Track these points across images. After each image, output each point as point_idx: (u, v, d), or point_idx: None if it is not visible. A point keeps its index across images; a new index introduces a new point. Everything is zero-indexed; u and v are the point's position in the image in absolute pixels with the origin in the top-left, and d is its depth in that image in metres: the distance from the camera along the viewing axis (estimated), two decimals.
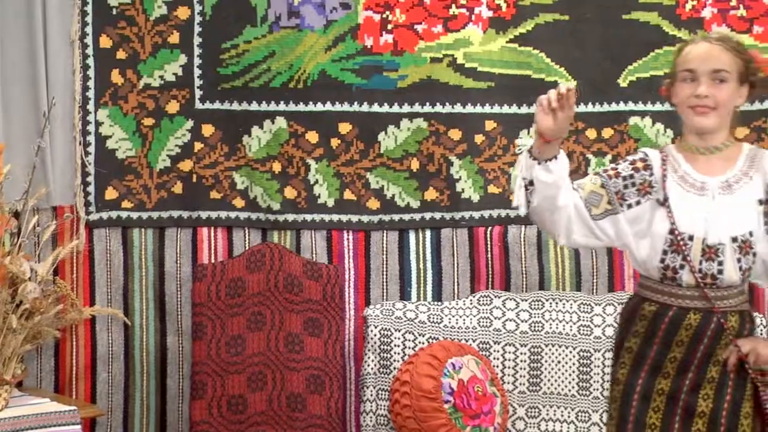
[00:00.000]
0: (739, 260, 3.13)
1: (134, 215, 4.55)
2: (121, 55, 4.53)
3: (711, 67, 3.13)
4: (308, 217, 4.59)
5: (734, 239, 3.13)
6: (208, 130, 4.56)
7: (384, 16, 4.58)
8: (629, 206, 3.19)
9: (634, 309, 3.22)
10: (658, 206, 3.17)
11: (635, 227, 3.19)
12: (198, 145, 4.55)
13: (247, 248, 4.55)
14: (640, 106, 4.63)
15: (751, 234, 3.14)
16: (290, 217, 4.58)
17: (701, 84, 3.12)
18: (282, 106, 4.56)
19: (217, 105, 4.55)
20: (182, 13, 4.53)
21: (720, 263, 3.13)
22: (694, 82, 3.14)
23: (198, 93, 4.54)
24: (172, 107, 4.54)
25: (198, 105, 4.55)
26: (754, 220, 3.15)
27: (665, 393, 3.15)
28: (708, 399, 3.13)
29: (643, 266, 3.21)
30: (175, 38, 4.54)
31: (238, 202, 4.58)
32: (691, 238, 3.12)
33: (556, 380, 4.45)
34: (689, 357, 3.14)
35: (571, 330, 4.45)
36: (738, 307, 3.17)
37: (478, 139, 4.64)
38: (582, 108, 4.66)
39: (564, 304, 4.50)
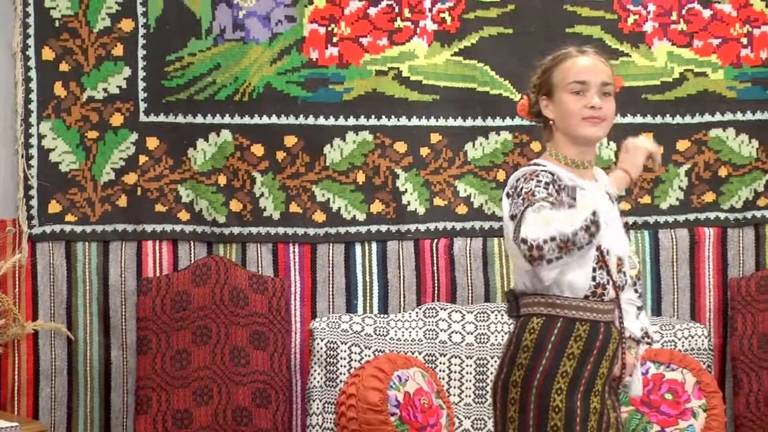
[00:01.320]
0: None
1: (78, 229, 4.54)
2: (64, 67, 4.53)
3: (601, 79, 3.15)
4: (254, 230, 4.61)
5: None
6: (152, 143, 4.56)
7: (329, 29, 4.62)
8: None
9: (566, 332, 3.10)
10: None
11: None
12: (143, 158, 4.56)
13: (192, 261, 4.55)
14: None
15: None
16: (236, 230, 4.59)
17: (594, 96, 3.13)
18: (227, 119, 4.57)
19: (161, 118, 4.56)
20: (126, 25, 4.53)
21: (624, 274, 3.20)
22: (583, 95, 3.13)
23: (142, 106, 4.55)
24: (117, 120, 4.54)
25: (142, 118, 4.55)
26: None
27: (597, 411, 3.11)
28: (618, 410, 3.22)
29: (569, 286, 3.09)
30: (119, 51, 4.54)
31: (183, 216, 4.58)
32: (608, 252, 3.13)
33: None
34: (611, 371, 3.17)
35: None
36: None
37: (424, 151, 4.68)
38: (526, 121, 4.68)
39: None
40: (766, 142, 4.81)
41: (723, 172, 4.79)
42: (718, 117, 4.79)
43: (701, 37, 4.77)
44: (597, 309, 3.13)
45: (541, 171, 3.06)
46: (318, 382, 4.38)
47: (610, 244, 3.12)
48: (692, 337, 4.60)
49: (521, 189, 3.03)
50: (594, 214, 2.89)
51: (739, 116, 4.79)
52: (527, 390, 3.08)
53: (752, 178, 4.80)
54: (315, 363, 4.40)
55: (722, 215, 4.77)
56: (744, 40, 4.78)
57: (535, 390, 3.08)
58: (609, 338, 3.15)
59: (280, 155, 4.61)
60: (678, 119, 4.73)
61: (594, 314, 3.13)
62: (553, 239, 2.87)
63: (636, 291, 3.32)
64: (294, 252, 4.65)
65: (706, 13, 4.76)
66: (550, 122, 3.22)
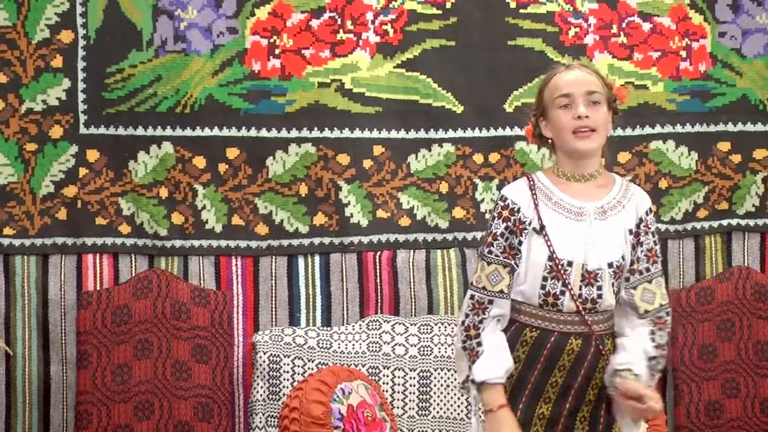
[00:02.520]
0: (613, 284, 3.21)
1: (16, 242, 4.51)
2: (2, 78, 4.50)
3: (585, 89, 3.19)
4: (196, 242, 4.60)
5: (610, 264, 3.19)
6: (93, 155, 4.54)
7: (271, 40, 4.63)
8: (519, 252, 3.20)
9: (515, 335, 3.21)
10: (535, 234, 3.18)
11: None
12: (83, 171, 4.53)
13: (133, 275, 4.54)
14: (528, 138, 4.72)
15: (623, 259, 3.22)
16: (177, 243, 4.58)
17: (579, 106, 3.18)
18: (169, 131, 4.56)
19: (102, 130, 4.54)
20: (66, 36, 4.51)
21: (599, 288, 3.18)
22: (571, 108, 3.19)
23: (82, 118, 4.53)
24: (56, 132, 4.52)
25: (82, 130, 4.53)
26: (625, 248, 3.23)
27: (546, 417, 3.18)
28: (584, 421, 3.20)
29: (522, 294, 3.21)
30: (58, 62, 4.52)
31: (124, 228, 4.56)
32: (570, 264, 3.16)
33: (445, 404, 4.52)
34: (570, 381, 3.18)
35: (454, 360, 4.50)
36: (610, 330, 3.24)
37: (367, 163, 4.70)
38: (469, 133, 4.75)
39: (453, 328, 4.56)
40: (706, 154, 4.89)
41: (663, 183, 4.86)
42: (658, 129, 4.85)
43: (641, 50, 4.83)
44: (550, 318, 3.18)
45: (510, 203, 3.21)
46: (261, 395, 4.38)
47: (575, 255, 3.17)
48: None
49: (491, 217, 3.26)
50: (467, 380, 3.17)
51: (678, 128, 4.86)
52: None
53: (692, 189, 4.88)
54: (258, 376, 4.40)
55: (662, 227, 4.83)
56: (683, 53, 4.86)
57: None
58: (563, 348, 3.17)
59: (222, 167, 4.61)
60: (619, 131, 4.78)
61: (546, 323, 3.18)
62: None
63: (652, 333, 3.24)
64: (236, 265, 4.64)
65: (646, 27, 4.83)
66: (549, 141, 3.29)
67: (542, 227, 3.18)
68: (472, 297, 3.21)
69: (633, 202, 3.25)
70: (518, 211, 3.20)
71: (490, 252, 3.21)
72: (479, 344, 3.18)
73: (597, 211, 3.21)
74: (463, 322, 3.23)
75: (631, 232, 3.23)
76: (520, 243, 3.20)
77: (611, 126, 3.28)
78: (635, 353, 3.19)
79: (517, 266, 3.20)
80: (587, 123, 3.18)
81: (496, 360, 3.16)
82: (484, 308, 3.20)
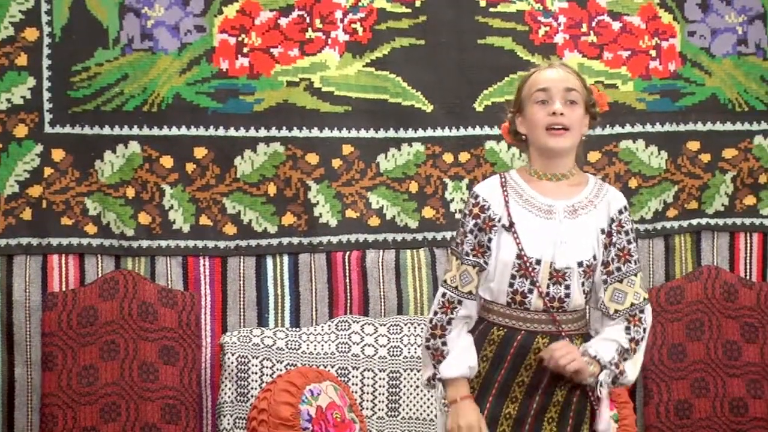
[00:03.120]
0: (583, 284, 3.21)
1: None
2: None
3: (564, 86, 3.19)
4: (163, 243, 4.57)
5: (580, 264, 3.19)
6: (58, 154, 4.50)
7: (240, 39, 4.60)
8: (489, 249, 3.21)
9: (482, 334, 3.22)
10: (504, 231, 3.19)
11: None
12: (48, 170, 4.50)
13: (99, 276, 4.51)
14: (496, 131, 4.71)
15: (594, 258, 3.22)
16: (144, 243, 4.55)
17: (556, 102, 3.18)
18: (135, 130, 4.53)
19: (67, 129, 4.50)
20: (30, 34, 4.47)
21: (567, 287, 3.18)
22: (547, 104, 3.19)
23: (48, 117, 4.49)
24: (21, 131, 4.48)
25: (48, 129, 4.49)
26: (596, 247, 3.23)
27: (512, 417, 3.18)
28: (552, 422, 3.20)
29: (490, 292, 3.22)
30: (23, 60, 4.47)
31: (90, 229, 4.53)
32: (538, 262, 3.17)
33: (414, 405, 4.51)
34: (537, 381, 3.18)
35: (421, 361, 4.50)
36: (581, 331, 3.24)
37: (336, 163, 4.68)
38: (439, 132, 4.75)
39: (423, 328, 4.54)
40: (675, 154, 4.90)
41: (633, 183, 4.87)
42: (628, 129, 4.87)
43: (611, 49, 4.84)
44: (517, 317, 3.19)
45: (481, 200, 3.23)
46: (229, 397, 4.36)
47: (543, 253, 3.17)
48: None
49: (462, 214, 3.28)
50: (433, 377, 3.22)
51: (648, 128, 4.88)
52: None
53: (662, 189, 4.89)
54: (226, 378, 4.38)
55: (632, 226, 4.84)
56: (653, 53, 4.87)
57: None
58: (529, 347, 3.18)
59: (190, 167, 4.58)
60: (589, 131, 4.78)
61: (513, 321, 3.19)
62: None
63: (627, 329, 3.24)
64: (204, 265, 4.62)
65: (616, 26, 4.84)
66: (524, 138, 3.29)
67: (511, 224, 3.19)
68: (443, 295, 3.23)
69: (605, 202, 3.25)
70: (488, 208, 3.21)
71: (462, 250, 3.23)
72: (444, 344, 3.20)
73: (567, 210, 3.21)
74: (431, 320, 3.25)
75: (603, 231, 3.23)
76: (490, 240, 3.20)
77: (587, 129, 3.28)
78: (603, 342, 3.19)
79: (487, 264, 3.21)
80: (561, 120, 3.18)
81: (462, 357, 3.19)
82: (453, 308, 3.22)
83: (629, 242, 3.26)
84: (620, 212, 3.26)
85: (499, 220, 3.20)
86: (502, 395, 3.19)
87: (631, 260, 3.25)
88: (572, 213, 3.22)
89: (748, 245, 5.01)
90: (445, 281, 3.26)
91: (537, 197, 3.22)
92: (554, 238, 3.18)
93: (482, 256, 3.21)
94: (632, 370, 3.23)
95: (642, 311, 3.26)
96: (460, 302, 3.21)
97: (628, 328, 3.22)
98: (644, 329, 3.25)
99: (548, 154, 3.23)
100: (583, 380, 3.17)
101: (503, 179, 3.26)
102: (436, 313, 3.23)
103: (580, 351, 3.17)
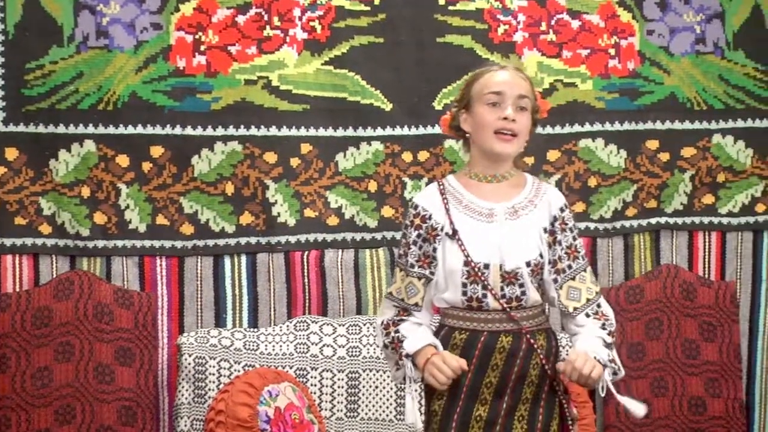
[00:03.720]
0: (533, 282, 3.23)
1: None
2: None
3: (518, 92, 3.20)
4: (119, 243, 4.54)
5: (528, 263, 3.20)
6: (12, 153, 4.46)
7: (197, 36, 4.58)
8: (434, 259, 3.22)
9: (445, 339, 3.22)
10: (448, 239, 3.20)
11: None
12: (1, 170, 4.45)
13: (54, 276, 4.47)
14: (442, 127, 4.72)
15: (540, 257, 3.23)
16: (100, 243, 4.52)
17: (508, 107, 3.19)
18: (91, 129, 4.50)
19: (21, 128, 4.46)
20: None
21: (521, 285, 3.20)
22: (499, 107, 3.19)
23: (1, 115, 4.44)
24: None
25: (1, 128, 4.44)
26: (541, 246, 3.24)
27: (483, 419, 3.18)
28: (522, 420, 3.20)
29: (445, 301, 3.24)
30: None
31: (45, 229, 4.49)
32: (487, 266, 3.18)
33: (374, 406, 4.51)
34: (504, 380, 3.19)
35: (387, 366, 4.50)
36: (543, 326, 3.26)
37: (294, 162, 4.67)
38: (398, 131, 4.75)
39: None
40: (634, 153, 4.93)
41: (592, 182, 4.89)
42: (587, 127, 4.88)
43: (570, 48, 4.86)
44: (478, 318, 3.19)
45: (421, 210, 3.24)
46: (186, 398, 4.34)
47: (490, 257, 3.18)
48: (562, 347, 4.66)
49: (403, 225, 3.30)
50: (402, 357, 3.21)
51: (607, 126, 4.90)
52: (424, 395, 3.29)
53: (621, 188, 4.91)
54: (183, 379, 4.36)
55: (592, 225, 4.86)
56: (612, 51, 4.89)
57: (424, 395, 3.27)
58: (493, 347, 3.18)
59: (147, 166, 4.55)
60: (548, 129, 4.81)
61: (474, 323, 3.20)
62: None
63: (603, 325, 3.25)
64: (161, 265, 4.59)
65: (575, 24, 4.86)
66: (467, 135, 3.29)
67: (455, 232, 3.20)
68: (392, 306, 3.27)
69: (545, 201, 3.27)
70: (430, 217, 3.23)
71: (407, 262, 3.25)
72: (398, 332, 3.23)
73: (508, 211, 3.23)
74: (382, 322, 3.26)
75: (545, 230, 3.25)
76: (435, 250, 3.22)
77: (530, 135, 3.30)
78: (592, 341, 3.20)
79: (433, 275, 3.23)
80: (512, 126, 3.19)
81: (424, 335, 3.21)
82: (408, 314, 3.27)
83: (574, 238, 3.29)
84: (561, 210, 3.29)
85: (441, 229, 3.21)
86: (471, 398, 3.19)
87: (579, 256, 3.28)
88: (513, 214, 3.23)
89: (707, 244, 5.04)
90: (390, 293, 3.29)
91: (477, 202, 3.23)
92: (498, 241, 3.19)
93: (428, 267, 3.23)
94: (621, 367, 3.27)
95: (599, 305, 3.29)
96: (411, 312, 3.25)
97: (603, 325, 3.25)
98: (612, 320, 3.29)
99: (493, 157, 3.24)
100: (595, 384, 3.16)
101: (442, 186, 3.28)
102: (384, 321, 3.28)
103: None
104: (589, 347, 3.18)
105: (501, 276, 3.18)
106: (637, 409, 3.23)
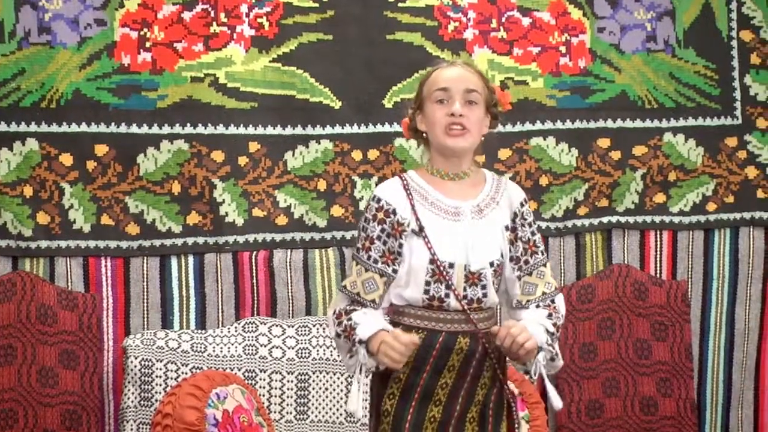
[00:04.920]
0: (493, 282, 3.24)
1: None
2: None
3: (464, 86, 3.21)
4: (63, 243, 4.50)
5: (491, 264, 3.21)
6: None
7: (142, 33, 4.55)
8: (400, 255, 3.21)
9: None
10: (414, 237, 3.19)
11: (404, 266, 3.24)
12: None
13: None
14: (403, 131, 4.72)
15: (502, 256, 3.24)
16: (43, 243, 4.48)
17: (455, 103, 3.19)
18: (33, 127, 4.45)
19: None
20: None
21: (483, 287, 3.20)
22: (448, 103, 3.20)
23: None
24: None
25: None
26: (502, 245, 3.25)
27: (437, 420, 3.18)
28: (473, 422, 3.20)
29: (403, 298, 3.23)
30: None
31: None
32: (452, 265, 3.17)
33: (324, 408, 4.50)
34: (460, 382, 3.19)
35: (339, 356, 4.51)
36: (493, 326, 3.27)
37: (242, 160, 4.65)
38: (347, 129, 4.75)
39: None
40: (586, 151, 4.96)
41: (544, 181, 4.91)
42: (538, 126, 4.91)
43: (521, 45, 4.88)
44: (437, 318, 3.19)
45: (384, 204, 3.21)
46: (132, 401, 4.31)
47: (456, 257, 3.18)
48: None
49: (362, 219, 3.24)
50: (356, 344, 3.16)
51: (559, 125, 4.93)
52: (372, 394, 3.27)
53: (572, 186, 4.94)
54: (129, 382, 4.33)
55: (543, 224, 4.89)
56: (563, 49, 4.92)
57: (374, 393, 3.25)
58: (451, 348, 3.18)
59: (91, 165, 4.52)
60: (499, 128, 4.79)
61: (432, 323, 3.19)
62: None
63: (549, 315, 3.26)
64: (106, 266, 4.56)
65: (526, 21, 4.89)
66: (424, 135, 3.29)
67: (421, 228, 3.19)
68: (345, 299, 3.24)
69: (506, 197, 3.29)
70: (394, 212, 3.21)
71: (368, 257, 3.21)
72: (350, 319, 3.18)
73: (474, 210, 3.23)
74: (334, 312, 3.24)
75: (507, 228, 3.26)
76: (401, 246, 3.20)
77: (487, 129, 3.31)
78: (532, 325, 3.19)
79: (396, 273, 3.21)
80: (461, 121, 3.20)
81: (377, 321, 3.17)
82: (361, 306, 3.22)
83: (533, 233, 3.30)
84: (521, 205, 3.31)
85: (408, 225, 3.20)
86: (425, 399, 3.18)
87: (537, 251, 3.29)
88: (479, 213, 3.23)
89: (658, 243, 5.09)
90: (344, 286, 3.26)
91: (443, 200, 3.23)
92: (464, 240, 3.19)
93: (393, 264, 3.21)
94: (559, 355, 3.27)
95: (554, 300, 3.30)
96: (365, 307, 3.22)
97: (549, 315, 3.26)
98: (562, 315, 3.29)
99: (447, 153, 3.24)
100: (528, 360, 3.16)
101: (405, 182, 3.26)
102: (336, 310, 3.23)
103: None
104: (528, 325, 3.17)
105: (465, 276, 3.18)
106: (557, 401, 3.22)
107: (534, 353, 3.15)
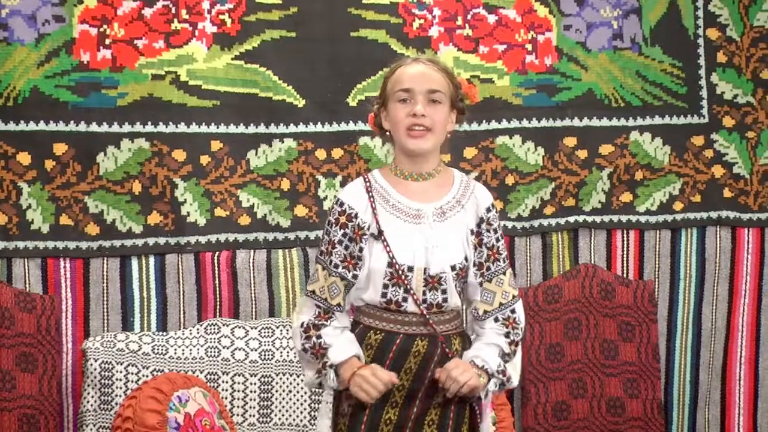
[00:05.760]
0: (456, 286, 3.23)
1: None
2: None
3: (427, 87, 3.20)
4: (20, 244, 4.46)
5: (453, 267, 3.21)
6: None
7: (101, 30, 4.52)
8: (360, 259, 3.20)
9: (359, 338, 3.22)
10: (374, 240, 3.19)
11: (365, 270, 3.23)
12: None
13: None
14: (370, 126, 4.72)
15: (465, 260, 3.24)
16: (0, 244, 4.44)
17: (417, 103, 3.18)
18: None
19: None
20: None
21: (444, 291, 3.20)
22: (410, 103, 3.20)
23: None
24: None
25: None
26: (467, 248, 3.25)
27: (393, 422, 3.19)
28: (433, 425, 3.21)
29: (362, 300, 3.24)
30: None
31: None
32: (411, 269, 3.18)
33: (287, 410, 4.50)
34: (417, 384, 3.19)
35: (301, 368, 4.49)
36: (458, 330, 3.27)
37: (204, 160, 4.63)
38: (311, 128, 4.73)
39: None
40: (552, 150, 4.97)
41: (510, 180, 4.92)
42: (504, 124, 4.91)
43: (487, 43, 4.89)
44: (395, 320, 3.20)
45: (347, 208, 3.21)
46: (92, 405, 4.29)
47: (415, 260, 3.18)
48: None
49: (327, 222, 3.25)
50: (325, 367, 3.18)
51: (525, 123, 4.93)
52: (334, 394, 3.26)
53: (539, 186, 4.95)
54: (88, 385, 4.31)
55: (509, 224, 4.89)
56: (529, 47, 4.93)
57: (334, 393, 3.24)
58: (408, 350, 3.18)
59: (49, 164, 4.48)
60: (465, 126, 4.77)
61: (390, 324, 3.20)
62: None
63: (507, 334, 3.26)
64: (65, 267, 4.53)
65: (491, 19, 4.89)
66: (388, 134, 3.29)
67: (380, 232, 3.19)
68: (315, 306, 3.23)
69: (473, 201, 3.28)
70: (356, 216, 3.21)
71: (330, 261, 3.22)
72: (320, 337, 3.20)
73: (436, 213, 3.23)
74: (302, 324, 3.22)
75: (472, 232, 3.25)
76: (361, 250, 3.21)
77: (453, 125, 3.30)
78: (486, 348, 3.21)
79: (356, 279, 3.22)
80: (422, 122, 3.19)
81: (350, 345, 3.18)
82: (329, 317, 3.23)
83: (498, 240, 3.30)
84: (488, 210, 3.30)
85: (368, 228, 3.20)
86: (381, 401, 3.19)
87: (500, 258, 3.29)
88: (441, 216, 3.23)
89: (625, 243, 5.10)
90: (313, 292, 3.25)
91: (404, 202, 3.23)
92: (425, 243, 3.19)
93: (353, 268, 3.21)
94: (515, 373, 3.27)
95: (513, 311, 3.29)
96: (333, 313, 3.22)
97: (507, 333, 3.25)
98: (521, 329, 3.28)
99: (411, 154, 3.24)
100: (476, 394, 3.18)
101: (368, 183, 3.26)
102: (304, 322, 3.23)
103: (469, 363, 3.18)
104: (478, 353, 3.19)
105: (424, 280, 3.18)
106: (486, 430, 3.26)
107: (480, 386, 3.17)
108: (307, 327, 3.22)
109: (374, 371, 3.11)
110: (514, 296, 3.30)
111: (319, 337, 3.20)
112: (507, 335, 3.25)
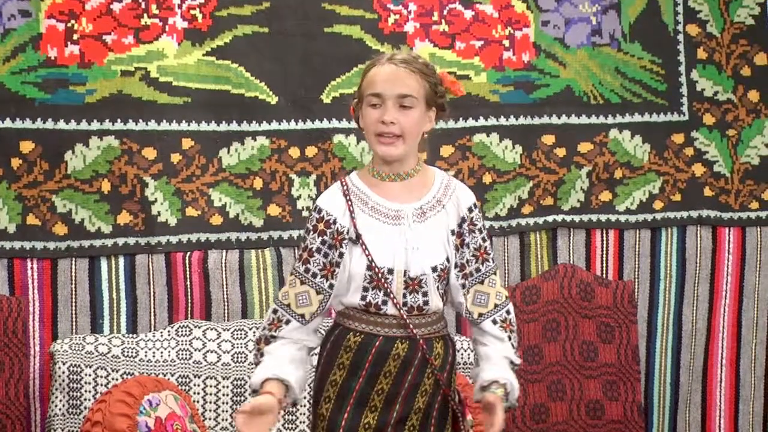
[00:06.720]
0: (438, 288, 3.22)
1: None
2: None
3: (397, 91, 3.15)
4: None
5: (434, 269, 3.19)
6: None
7: (69, 25, 4.49)
8: (338, 265, 3.19)
9: (339, 340, 3.21)
10: (353, 244, 3.18)
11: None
12: None
13: None
14: (345, 124, 4.73)
15: (447, 261, 3.22)
16: None
17: (387, 109, 3.15)
18: None
19: None
20: None
21: (425, 294, 3.19)
22: (381, 107, 3.16)
23: None
24: None
25: None
26: (448, 249, 3.23)
27: (372, 427, 3.17)
28: (414, 430, 3.20)
29: (342, 304, 3.23)
30: None
31: None
32: (390, 271, 3.16)
33: None
34: (397, 388, 3.18)
35: None
36: (440, 332, 3.25)
37: (175, 158, 4.61)
38: (284, 125, 4.72)
39: None
40: (530, 148, 4.97)
41: (487, 178, 4.92)
42: (481, 122, 4.91)
43: (463, 39, 4.88)
44: (375, 322, 3.19)
45: (324, 214, 3.20)
46: (60, 409, 4.27)
47: (395, 262, 3.17)
48: (458, 351, 4.68)
49: (305, 229, 3.24)
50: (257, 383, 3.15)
51: (502, 121, 4.93)
52: (313, 395, 3.27)
53: (516, 184, 4.95)
54: (56, 389, 4.28)
55: (487, 223, 4.89)
56: (506, 43, 4.93)
57: (313, 396, 3.26)
58: (388, 353, 3.18)
59: (16, 162, 4.45)
60: (441, 124, 4.79)
61: (370, 327, 3.19)
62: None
63: (510, 339, 3.27)
64: (32, 268, 4.50)
65: (468, 14, 4.89)
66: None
67: (358, 236, 3.17)
68: (275, 311, 3.24)
69: (453, 201, 3.26)
70: (334, 222, 3.20)
71: (306, 270, 3.21)
72: (261, 355, 3.21)
73: (416, 213, 3.21)
74: (257, 336, 3.24)
75: (453, 232, 3.24)
76: (341, 255, 3.19)
77: (432, 124, 3.28)
78: (501, 364, 3.22)
79: (332, 288, 3.20)
80: (392, 129, 3.16)
81: (271, 365, 3.16)
82: (279, 327, 3.22)
83: (483, 240, 3.28)
84: (470, 210, 3.28)
85: (347, 233, 3.19)
86: (360, 405, 3.18)
87: (488, 259, 3.28)
88: (421, 216, 3.22)
89: (604, 242, 5.11)
90: (278, 298, 3.26)
91: (383, 203, 3.21)
92: (405, 245, 3.18)
93: (332, 277, 3.19)
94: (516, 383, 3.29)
95: (508, 311, 3.30)
96: (288, 322, 3.21)
97: (510, 337, 3.26)
98: (517, 330, 3.31)
99: (382, 160, 3.22)
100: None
101: (345, 187, 3.24)
102: (263, 329, 3.24)
103: (492, 381, 3.18)
104: (499, 372, 3.19)
105: (405, 282, 3.17)
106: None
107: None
108: (258, 339, 3.25)
109: (252, 403, 3.07)
110: (506, 297, 3.31)
111: (261, 354, 3.22)
112: (511, 341, 3.26)
